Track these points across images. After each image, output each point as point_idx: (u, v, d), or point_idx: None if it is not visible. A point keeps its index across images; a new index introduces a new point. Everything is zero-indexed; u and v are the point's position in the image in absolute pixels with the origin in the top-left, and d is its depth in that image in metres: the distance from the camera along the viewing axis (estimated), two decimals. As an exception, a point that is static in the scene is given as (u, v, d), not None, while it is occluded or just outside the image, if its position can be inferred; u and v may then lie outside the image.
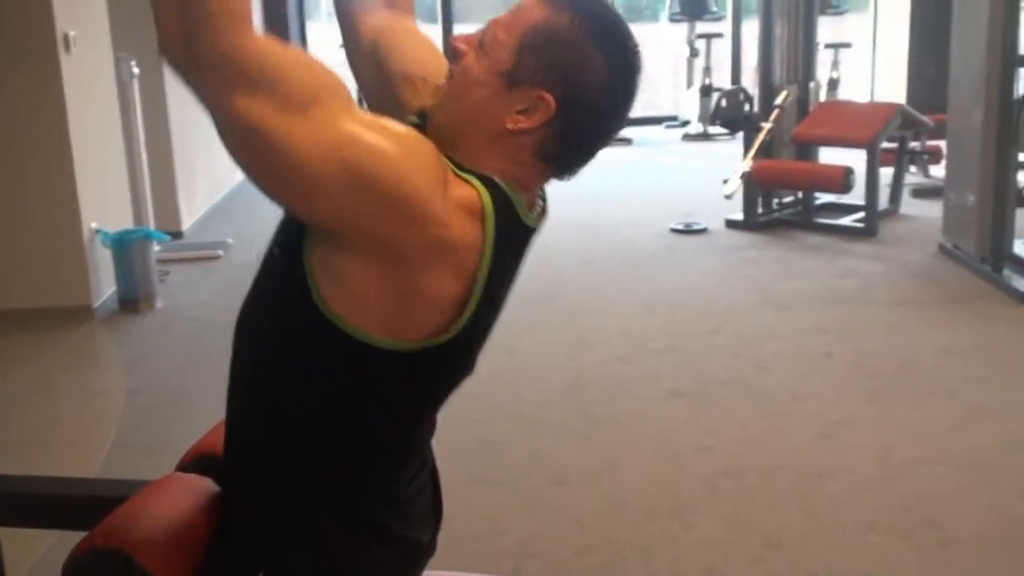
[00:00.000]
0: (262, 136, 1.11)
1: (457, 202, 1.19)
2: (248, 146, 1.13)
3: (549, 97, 1.24)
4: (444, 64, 1.47)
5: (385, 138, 1.15)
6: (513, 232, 1.28)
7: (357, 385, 1.28)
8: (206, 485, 1.55)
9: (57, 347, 4.64)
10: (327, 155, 1.12)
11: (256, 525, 1.38)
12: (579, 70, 1.25)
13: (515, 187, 1.27)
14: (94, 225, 5.00)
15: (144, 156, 5.71)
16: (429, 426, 1.45)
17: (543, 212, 1.36)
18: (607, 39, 1.27)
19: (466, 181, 1.23)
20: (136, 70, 5.59)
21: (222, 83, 1.10)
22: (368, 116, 1.18)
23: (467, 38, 1.31)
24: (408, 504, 1.44)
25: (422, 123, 1.32)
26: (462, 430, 3.49)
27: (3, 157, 4.80)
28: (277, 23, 9.84)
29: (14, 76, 4.72)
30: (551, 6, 1.27)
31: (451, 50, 1.30)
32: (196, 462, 1.67)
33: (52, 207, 4.86)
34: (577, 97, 1.25)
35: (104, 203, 5.18)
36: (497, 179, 1.26)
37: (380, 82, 1.49)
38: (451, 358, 1.30)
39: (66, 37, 4.75)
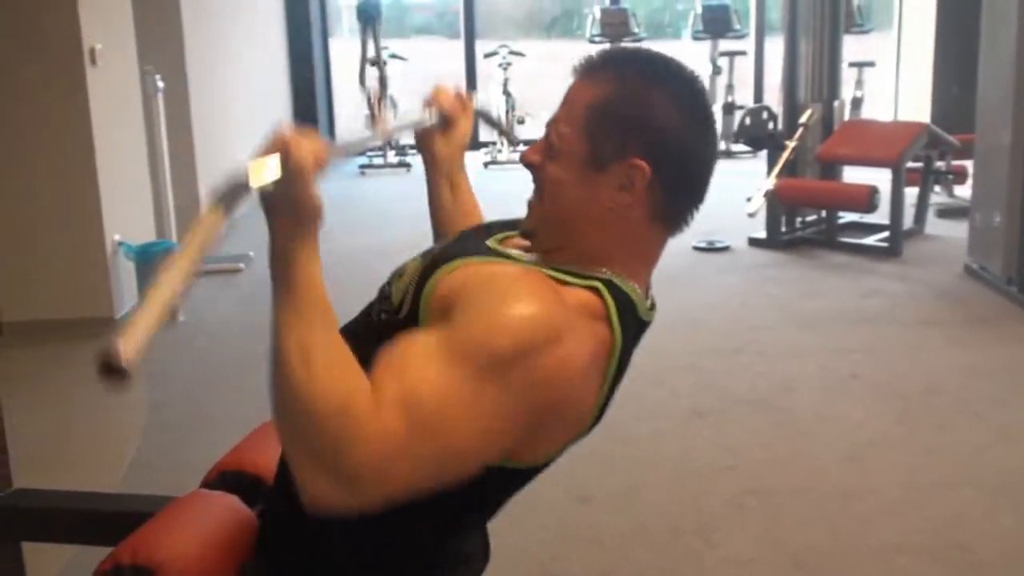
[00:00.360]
0: (446, 470, 1.12)
1: (580, 310, 1.18)
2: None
3: (639, 161, 1.22)
4: None
5: (471, 366, 1.10)
6: (634, 327, 1.26)
7: (466, 495, 1.22)
8: (232, 503, 1.54)
9: (79, 359, 4.64)
10: (469, 443, 1.12)
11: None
12: (649, 119, 1.23)
13: (630, 281, 1.26)
14: (117, 237, 5.01)
15: (168, 169, 5.73)
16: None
17: (653, 304, 1.34)
18: (656, 77, 1.26)
19: (581, 287, 1.21)
20: (161, 84, 5.61)
21: (389, 484, 1.08)
22: (467, 338, 1.12)
23: (534, 149, 1.30)
24: (462, 553, 1.44)
25: (528, 239, 1.32)
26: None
27: (29, 168, 4.83)
28: (300, 41, 9.90)
29: (41, 89, 4.74)
30: (594, 81, 1.26)
31: (526, 166, 1.29)
32: (220, 479, 1.66)
33: (76, 219, 4.88)
34: (661, 144, 1.23)
35: (127, 215, 5.20)
36: (612, 277, 1.24)
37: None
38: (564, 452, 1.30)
39: (92, 51, 4.77)
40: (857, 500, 3.15)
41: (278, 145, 1.07)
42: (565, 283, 1.20)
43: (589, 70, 1.27)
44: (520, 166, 1.32)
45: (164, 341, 4.83)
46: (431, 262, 1.25)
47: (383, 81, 9.21)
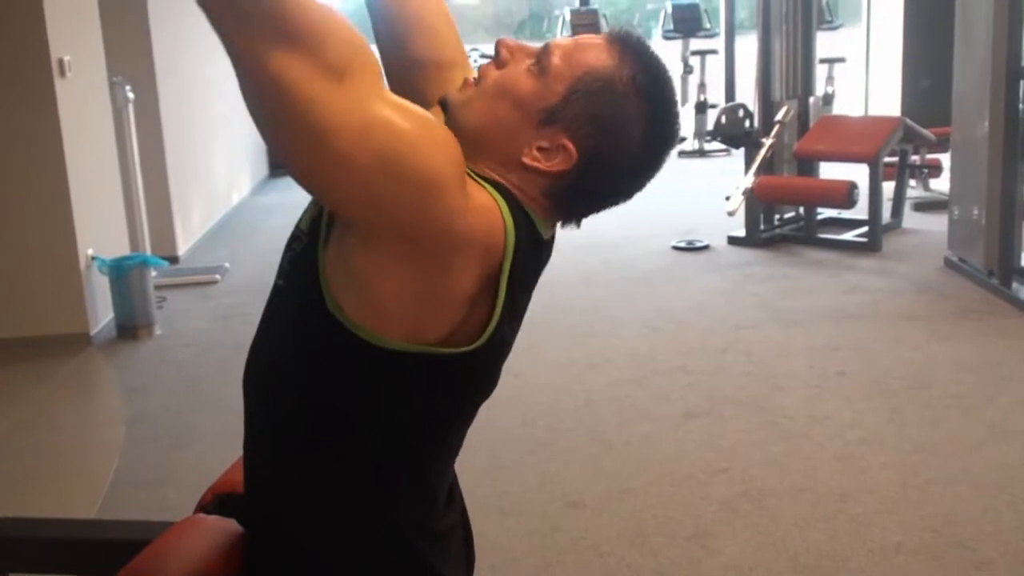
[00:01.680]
0: (294, 98, 1.03)
1: (476, 202, 1.14)
2: (277, 108, 1.04)
3: (572, 149, 1.19)
4: (461, 49, 1.44)
5: (414, 122, 1.09)
6: (531, 243, 1.22)
7: (379, 398, 1.21)
8: (230, 527, 1.47)
9: (55, 376, 4.55)
10: (357, 130, 1.05)
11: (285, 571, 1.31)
12: (617, 132, 1.21)
13: (528, 204, 1.22)
14: (90, 251, 4.92)
15: (140, 181, 5.65)
16: (456, 447, 1.38)
17: (552, 229, 1.31)
18: (658, 108, 1.23)
19: (482, 184, 1.18)
20: (131, 94, 5.53)
21: (261, 35, 1.02)
22: (396, 98, 1.11)
23: (515, 47, 1.25)
24: (442, 540, 1.36)
25: (444, 112, 1.26)
26: (469, 455, 3.38)
27: (-2, 184, 4.73)
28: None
29: (9, 101, 4.65)
30: (618, 55, 1.22)
31: (496, 52, 1.24)
32: (216, 502, 1.59)
33: (47, 233, 4.78)
34: (603, 157, 1.21)
35: (100, 229, 5.10)
36: (510, 188, 1.21)
37: (393, 54, 1.44)
38: (475, 369, 1.24)
39: (61, 62, 4.68)
40: (853, 500, 3.11)
41: None
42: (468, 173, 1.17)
43: (620, 41, 1.23)
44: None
45: (142, 354, 4.76)
46: None
47: None
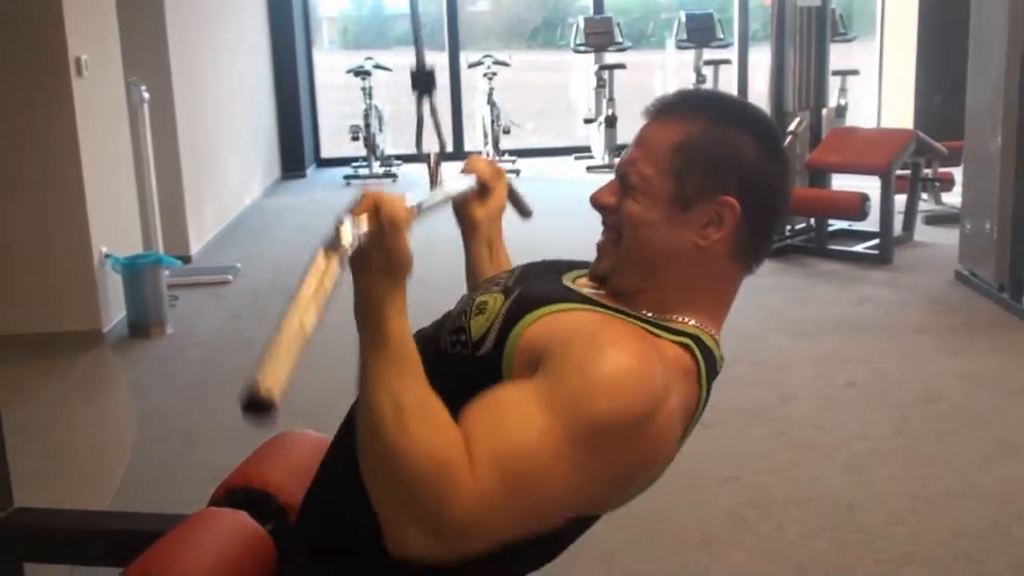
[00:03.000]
0: (539, 525, 1.13)
1: (674, 368, 1.17)
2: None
3: (730, 199, 1.22)
4: None
5: (584, 393, 1.09)
6: (713, 379, 1.26)
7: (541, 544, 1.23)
8: (243, 520, 1.49)
9: (67, 373, 4.58)
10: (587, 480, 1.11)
11: None
12: (736, 159, 1.23)
13: (711, 329, 1.26)
14: (104, 249, 4.94)
15: (154, 180, 5.68)
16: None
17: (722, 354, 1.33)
18: (739, 117, 1.26)
19: (673, 341, 1.20)
20: (146, 94, 5.56)
21: (485, 538, 1.08)
22: (563, 399, 1.10)
23: (607, 190, 1.28)
24: None
25: (601, 283, 1.30)
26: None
27: (14, 180, 4.76)
28: (284, 52, 9.84)
29: (26, 99, 4.68)
30: (676, 121, 1.25)
31: (600, 209, 1.28)
32: (229, 496, 1.61)
33: (62, 231, 4.81)
34: (749, 182, 1.23)
35: (114, 227, 5.13)
36: (701, 334, 1.23)
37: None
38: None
39: (78, 61, 4.71)
40: (861, 510, 3.11)
41: (368, 202, 1.07)
42: (656, 335, 1.19)
43: (666, 110, 1.27)
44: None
45: (153, 353, 4.78)
46: (516, 302, 1.22)
47: (441, 144, 9.11)
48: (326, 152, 10.75)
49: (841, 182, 6.79)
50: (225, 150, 7.66)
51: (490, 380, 1.15)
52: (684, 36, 10.28)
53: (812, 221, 6.54)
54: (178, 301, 5.48)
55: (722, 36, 10.26)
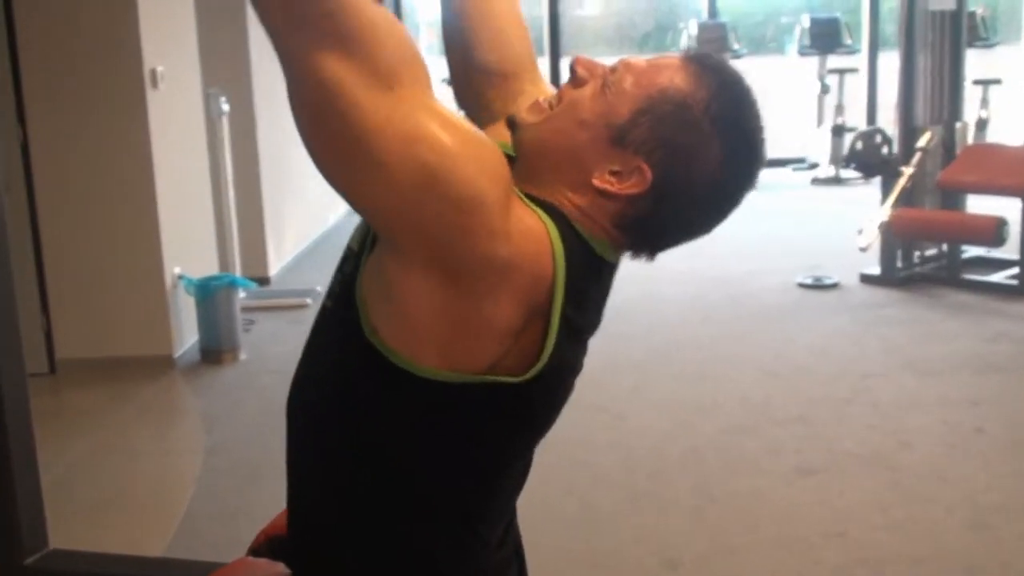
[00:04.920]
0: (341, 104, 1.07)
1: (521, 225, 1.15)
2: (323, 113, 1.09)
3: (648, 172, 1.19)
4: (532, 58, 1.47)
5: (460, 137, 1.11)
6: (586, 266, 1.22)
7: (424, 429, 1.22)
8: (278, 571, 1.50)
9: (136, 400, 4.71)
10: (401, 141, 1.08)
11: None
12: (692, 158, 1.20)
13: (583, 226, 1.22)
14: (177, 270, 5.08)
15: (232, 197, 5.81)
16: (512, 485, 1.37)
17: (619, 251, 1.29)
18: (737, 136, 1.22)
19: (531, 209, 1.18)
20: (226, 106, 5.70)
21: (313, 37, 1.06)
22: (445, 111, 1.13)
23: (592, 66, 1.26)
24: None
25: (511, 131, 1.28)
26: (559, 501, 3.41)
27: (86, 197, 4.93)
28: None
29: (99, 112, 4.84)
30: (694, 75, 1.22)
31: (572, 71, 1.25)
32: (268, 545, 1.62)
33: (134, 251, 4.96)
34: (676, 186, 1.21)
35: (188, 247, 5.27)
36: (564, 212, 1.21)
37: (460, 62, 1.47)
38: (525, 403, 1.23)
39: (153, 73, 4.86)
40: (983, 572, 3.01)
41: None
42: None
43: (697, 61, 1.24)
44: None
45: (225, 380, 4.88)
46: None
47: None
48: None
49: (977, 204, 6.59)
50: (309, 165, 7.78)
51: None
52: (807, 42, 10.14)
53: (944, 247, 6.37)
54: (253, 325, 5.60)
55: (849, 42, 10.10)
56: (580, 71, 1.25)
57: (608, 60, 1.29)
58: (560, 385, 1.27)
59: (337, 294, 1.27)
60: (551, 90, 1.37)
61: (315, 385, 1.32)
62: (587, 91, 1.24)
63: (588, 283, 1.24)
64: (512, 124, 1.27)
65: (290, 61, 1.08)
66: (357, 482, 1.27)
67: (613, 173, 1.20)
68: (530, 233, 1.16)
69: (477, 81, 1.46)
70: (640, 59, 1.26)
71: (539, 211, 1.19)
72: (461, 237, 1.10)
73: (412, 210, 1.10)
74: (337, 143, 1.10)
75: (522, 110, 1.29)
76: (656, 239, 1.27)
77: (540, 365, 1.19)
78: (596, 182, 1.21)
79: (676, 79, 1.21)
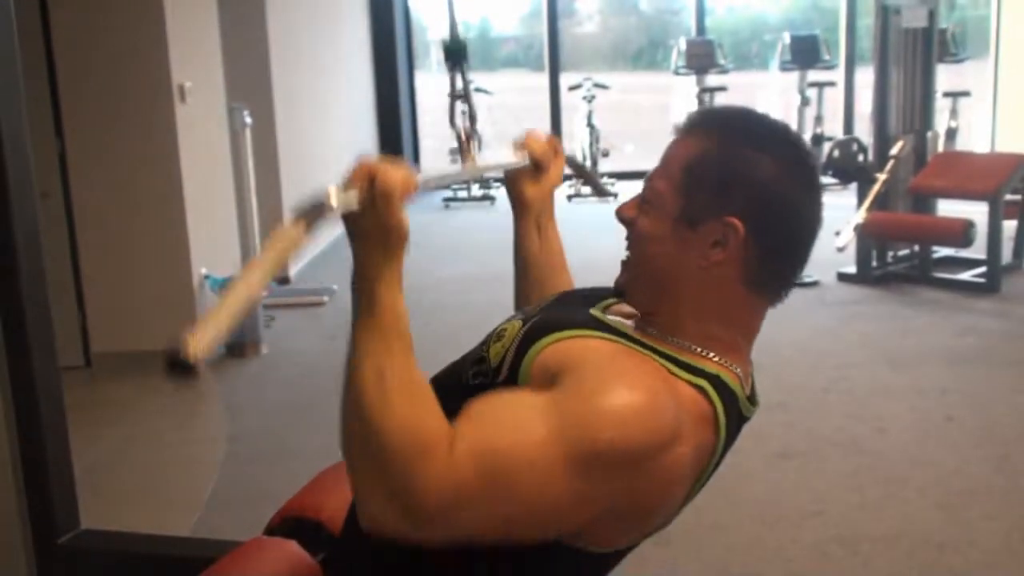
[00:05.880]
0: (513, 536, 1.09)
1: (689, 412, 1.13)
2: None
3: (734, 219, 1.16)
4: None
5: (594, 408, 1.07)
6: (736, 429, 1.21)
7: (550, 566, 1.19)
8: (292, 550, 1.50)
9: (163, 391, 4.70)
10: (572, 493, 1.06)
11: None
12: (747, 176, 1.18)
13: (733, 365, 1.21)
14: (203, 270, 5.08)
15: (254, 203, 5.81)
16: None
17: (754, 397, 1.27)
18: (759, 137, 1.21)
19: (690, 383, 1.15)
20: (248, 119, 5.70)
21: (451, 518, 1.05)
22: (567, 401, 1.08)
23: (630, 204, 1.26)
24: None
25: (618, 296, 1.29)
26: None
27: (118, 202, 4.93)
28: (386, 76, 10.00)
29: (131, 125, 4.85)
30: (695, 137, 1.22)
31: (621, 220, 1.25)
32: (283, 525, 1.62)
33: (163, 252, 4.96)
34: (759, 202, 1.18)
35: (213, 248, 5.27)
36: (722, 375, 1.18)
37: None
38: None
39: (181, 88, 4.86)
40: (953, 551, 2.99)
41: (364, 171, 1.08)
42: (675, 375, 1.15)
43: (690, 127, 1.24)
44: (603, 203, 1.26)
45: (248, 372, 4.88)
46: (533, 327, 1.20)
47: (472, 118, 9.19)
48: (426, 175, 10.85)
49: (947, 208, 6.58)
50: (325, 173, 7.80)
51: None
52: (788, 58, 10.11)
53: (916, 248, 6.35)
54: (274, 321, 5.60)
55: (827, 57, 10.06)
56: (625, 214, 1.25)
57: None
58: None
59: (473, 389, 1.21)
60: None
61: None
62: (641, 221, 1.23)
63: (731, 445, 1.23)
64: (619, 291, 1.28)
65: (446, 541, 1.08)
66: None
67: (713, 246, 1.18)
68: (695, 412, 1.14)
69: None
70: (653, 169, 1.25)
71: (701, 382, 1.16)
72: (638, 491, 1.10)
73: (601, 501, 1.09)
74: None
75: (617, 279, 1.28)
76: (789, 259, 1.24)
77: (679, 510, 1.22)
78: (703, 263, 1.18)
79: (685, 150, 1.21)
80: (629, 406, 1.06)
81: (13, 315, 1.57)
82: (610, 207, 1.58)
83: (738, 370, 1.21)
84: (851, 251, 6.07)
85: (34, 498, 1.61)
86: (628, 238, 1.25)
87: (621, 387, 1.07)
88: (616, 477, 1.06)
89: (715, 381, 1.16)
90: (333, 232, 5.02)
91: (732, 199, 1.17)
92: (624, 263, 1.26)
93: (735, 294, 1.20)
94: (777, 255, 1.21)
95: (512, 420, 1.07)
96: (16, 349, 1.60)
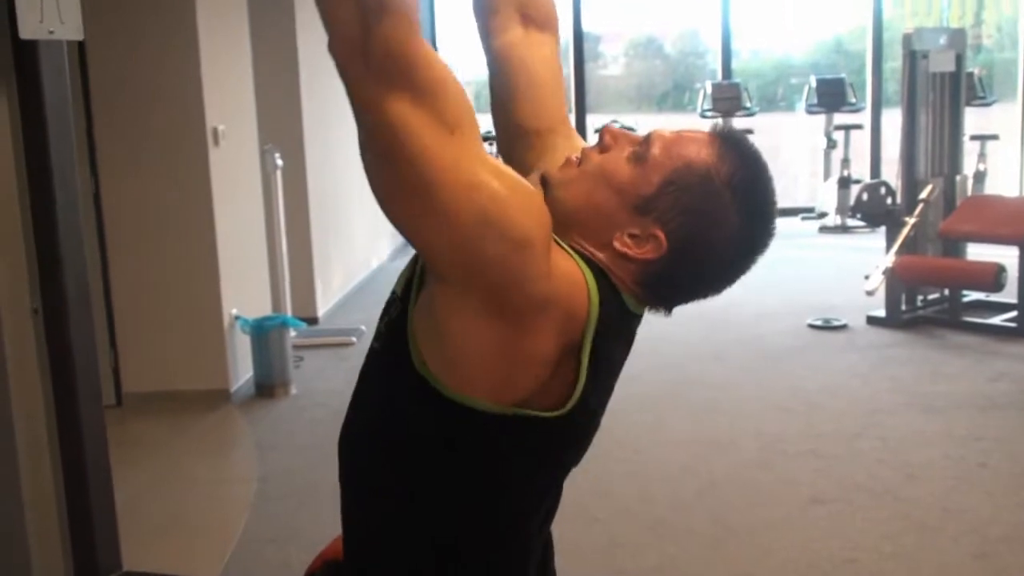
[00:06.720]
0: (409, 146, 1.09)
1: (561, 268, 1.17)
2: (392, 156, 1.10)
3: (663, 239, 1.21)
4: (564, 113, 1.48)
5: (512, 185, 1.14)
6: (617, 313, 1.23)
7: (465, 458, 1.23)
8: (334, 596, 1.50)
9: (194, 431, 4.73)
10: (462, 185, 1.10)
11: None
12: (709, 227, 1.22)
13: (617, 279, 1.24)
14: (234, 311, 5.12)
15: (284, 244, 5.86)
16: (542, 516, 1.37)
17: (643, 306, 1.30)
18: (755, 212, 1.24)
19: (569, 255, 1.20)
20: (280, 161, 5.77)
21: (386, 81, 1.08)
22: (495, 161, 1.16)
23: (619, 135, 1.27)
24: None
25: (544, 188, 1.29)
26: (582, 530, 3.39)
27: (151, 244, 4.98)
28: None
29: (165, 168, 4.91)
30: (718, 151, 1.23)
31: (600, 137, 1.27)
32: (324, 569, 1.62)
33: (195, 293, 5.00)
34: (692, 252, 1.22)
35: (244, 289, 5.31)
36: (598, 264, 1.22)
37: (500, 115, 1.48)
38: (560, 435, 1.24)
39: (215, 131, 4.93)
40: (989, 601, 2.96)
41: None
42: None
43: (722, 137, 1.26)
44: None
45: (277, 413, 4.90)
46: None
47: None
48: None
49: (976, 251, 6.55)
50: (353, 214, 7.87)
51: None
52: (815, 100, 10.15)
53: (945, 292, 6.32)
54: (303, 362, 5.62)
55: (854, 100, 10.09)
56: (607, 138, 1.27)
57: (629, 118, 1.30)
58: (589, 423, 1.28)
59: (384, 335, 1.29)
60: (582, 145, 1.39)
61: (364, 422, 1.33)
62: (616, 157, 1.25)
63: (617, 327, 1.25)
64: (545, 182, 1.28)
65: (365, 107, 1.10)
66: (404, 510, 1.28)
67: (631, 236, 1.22)
68: (568, 274, 1.18)
69: (514, 136, 1.47)
70: (669, 131, 1.27)
71: (576, 257, 1.21)
72: (510, 275, 1.12)
73: (468, 249, 1.11)
74: (404, 185, 1.11)
75: (554, 168, 1.30)
76: (672, 296, 1.29)
77: (572, 402, 1.21)
78: (616, 244, 1.23)
79: (702, 152, 1.23)
80: (526, 197, 1.14)
81: (62, 361, 1.59)
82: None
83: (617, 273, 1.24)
84: (880, 295, 6.05)
85: (77, 540, 1.62)
86: (589, 153, 1.27)
87: (525, 189, 1.15)
88: (493, 239, 1.09)
89: (587, 260, 1.21)
90: (360, 274, 5.13)
91: (682, 227, 1.21)
92: (569, 163, 1.27)
93: (621, 272, 1.24)
94: (668, 288, 1.26)
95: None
96: (64, 394, 1.62)
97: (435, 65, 1.11)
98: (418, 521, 1.27)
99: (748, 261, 1.27)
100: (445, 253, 1.14)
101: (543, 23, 1.50)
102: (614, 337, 1.24)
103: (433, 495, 1.26)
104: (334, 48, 1.10)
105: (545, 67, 1.50)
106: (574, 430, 1.26)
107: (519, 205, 1.13)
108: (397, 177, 1.12)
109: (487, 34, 1.49)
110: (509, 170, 1.17)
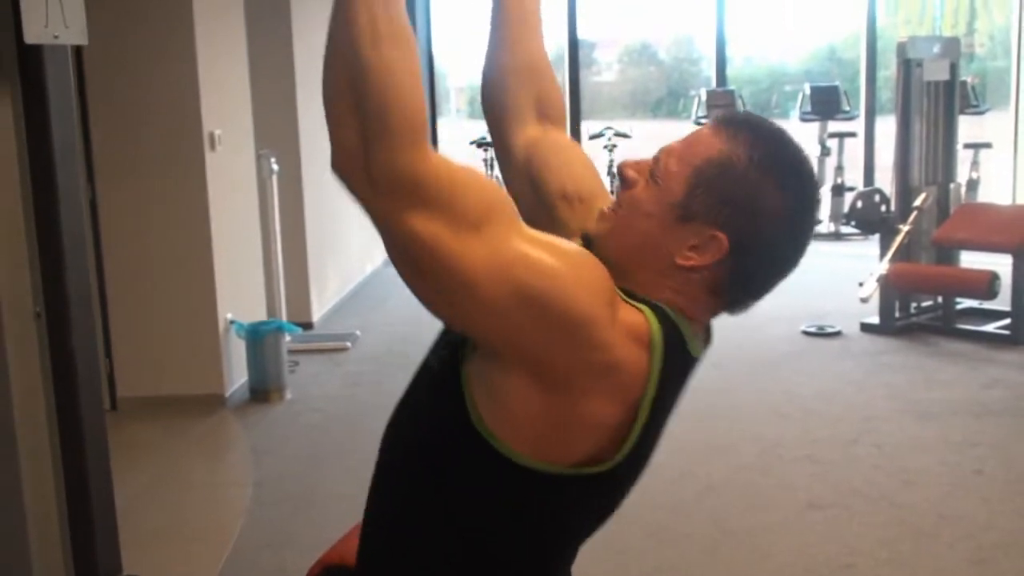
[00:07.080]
0: (434, 256, 1.08)
1: (625, 328, 1.15)
2: (419, 265, 1.10)
3: (722, 236, 1.19)
4: (599, 182, 1.45)
5: (555, 257, 1.12)
6: (680, 362, 1.22)
7: (503, 507, 1.22)
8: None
9: (189, 435, 4.72)
10: (498, 276, 1.08)
11: None
12: (754, 209, 1.20)
13: (683, 317, 1.22)
14: (229, 316, 5.11)
15: (279, 250, 5.86)
16: (573, 558, 1.37)
17: (708, 340, 1.30)
18: (787, 175, 1.22)
19: (635, 307, 1.18)
20: (276, 167, 5.77)
21: (397, 202, 1.08)
22: (536, 233, 1.14)
23: (637, 164, 1.26)
24: None
25: (587, 246, 1.27)
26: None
27: (148, 250, 4.98)
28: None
29: (162, 173, 4.91)
30: (728, 137, 1.22)
31: (621, 177, 1.26)
32: (325, 573, 1.62)
33: (190, 298, 5.00)
34: (751, 237, 1.20)
35: (239, 295, 5.31)
36: (666, 308, 1.21)
37: (535, 198, 1.45)
38: (604, 489, 1.24)
39: (212, 136, 4.93)
40: (986, 607, 2.97)
41: None
42: (619, 296, 1.17)
43: (726, 123, 1.24)
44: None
45: (272, 417, 4.90)
46: None
47: (492, 165, 9.30)
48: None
49: (970, 259, 6.58)
50: (348, 220, 7.87)
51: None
52: (809, 108, 10.18)
53: (939, 299, 6.34)
54: (298, 367, 5.62)
55: (848, 108, 10.12)
56: (629, 173, 1.25)
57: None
58: (631, 477, 1.27)
59: (442, 357, 1.26)
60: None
61: (410, 433, 1.31)
62: (640, 188, 1.24)
63: (679, 378, 1.24)
64: (587, 239, 1.27)
65: (381, 223, 1.10)
66: (432, 529, 1.26)
67: (692, 248, 1.20)
68: (633, 329, 1.16)
69: (553, 206, 1.44)
70: (675, 142, 1.26)
71: (642, 307, 1.18)
72: (567, 352, 1.11)
73: (518, 334, 1.10)
74: (441, 290, 1.11)
75: (591, 224, 1.29)
76: (753, 289, 1.27)
77: (624, 453, 1.20)
78: (680, 262, 1.21)
79: (714, 145, 1.22)
80: (577, 268, 1.12)
81: (64, 365, 1.59)
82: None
83: (685, 312, 1.23)
84: (874, 302, 6.07)
85: (78, 544, 1.62)
86: (618, 194, 1.26)
87: (576, 258, 1.14)
88: (542, 322, 1.09)
89: (654, 307, 1.19)
90: (355, 279, 5.14)
91: (731, 217, 1.19)
92: (603, 213, 1.26)
93: (694, 292, 1.22)
94: (747, 282, 1.25)
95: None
96: (66, 397, 1.62)
97: (442, 174, 1.09)
98: (443, 547, 1.26)
99: (809, 218, 1.25)
100: (493, 340, 1.14)
101: (557, 120, 1.51)
102: (673, 388, 1.24)
103: (459, 533, 1.24)
104: (338, 168, 1.11)
105: (574, 151, 1.51)
106: (619, 482, 1.26)
107: (572, 278, 1.11)
108: (432, 285, 1.12)
109: (504, 133, 1.49)
110: (557, 240, 1.15)
